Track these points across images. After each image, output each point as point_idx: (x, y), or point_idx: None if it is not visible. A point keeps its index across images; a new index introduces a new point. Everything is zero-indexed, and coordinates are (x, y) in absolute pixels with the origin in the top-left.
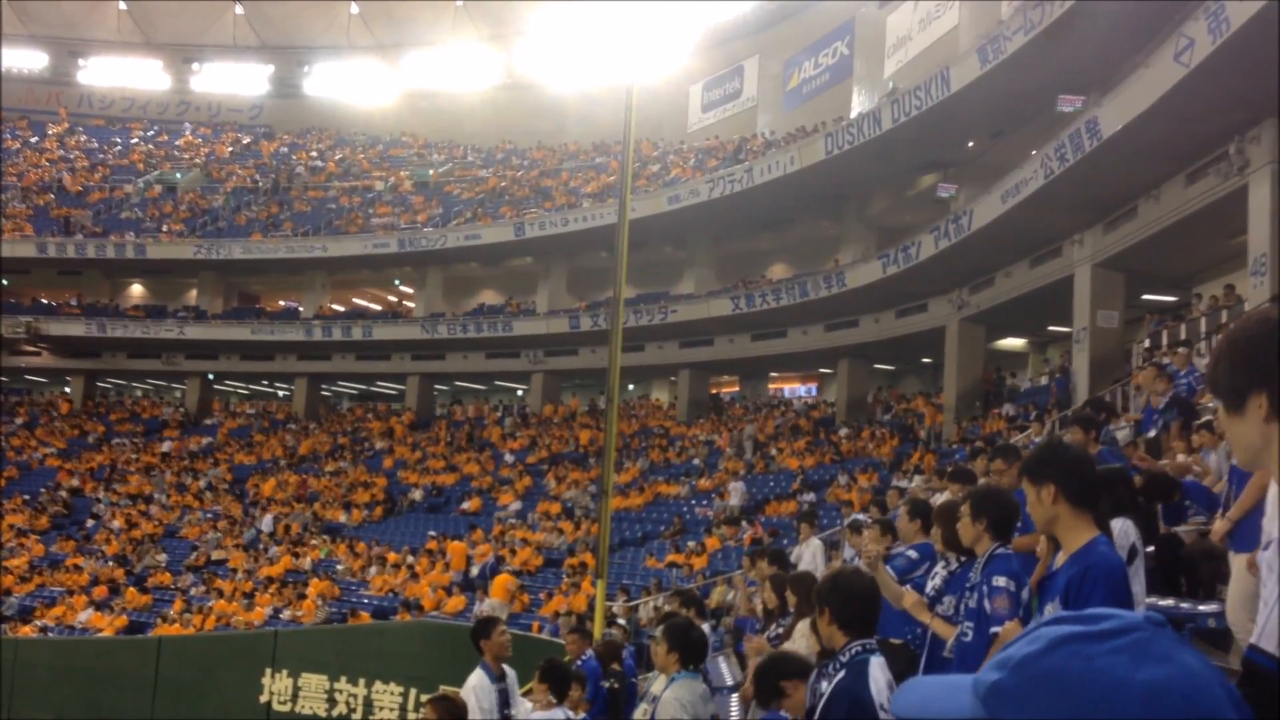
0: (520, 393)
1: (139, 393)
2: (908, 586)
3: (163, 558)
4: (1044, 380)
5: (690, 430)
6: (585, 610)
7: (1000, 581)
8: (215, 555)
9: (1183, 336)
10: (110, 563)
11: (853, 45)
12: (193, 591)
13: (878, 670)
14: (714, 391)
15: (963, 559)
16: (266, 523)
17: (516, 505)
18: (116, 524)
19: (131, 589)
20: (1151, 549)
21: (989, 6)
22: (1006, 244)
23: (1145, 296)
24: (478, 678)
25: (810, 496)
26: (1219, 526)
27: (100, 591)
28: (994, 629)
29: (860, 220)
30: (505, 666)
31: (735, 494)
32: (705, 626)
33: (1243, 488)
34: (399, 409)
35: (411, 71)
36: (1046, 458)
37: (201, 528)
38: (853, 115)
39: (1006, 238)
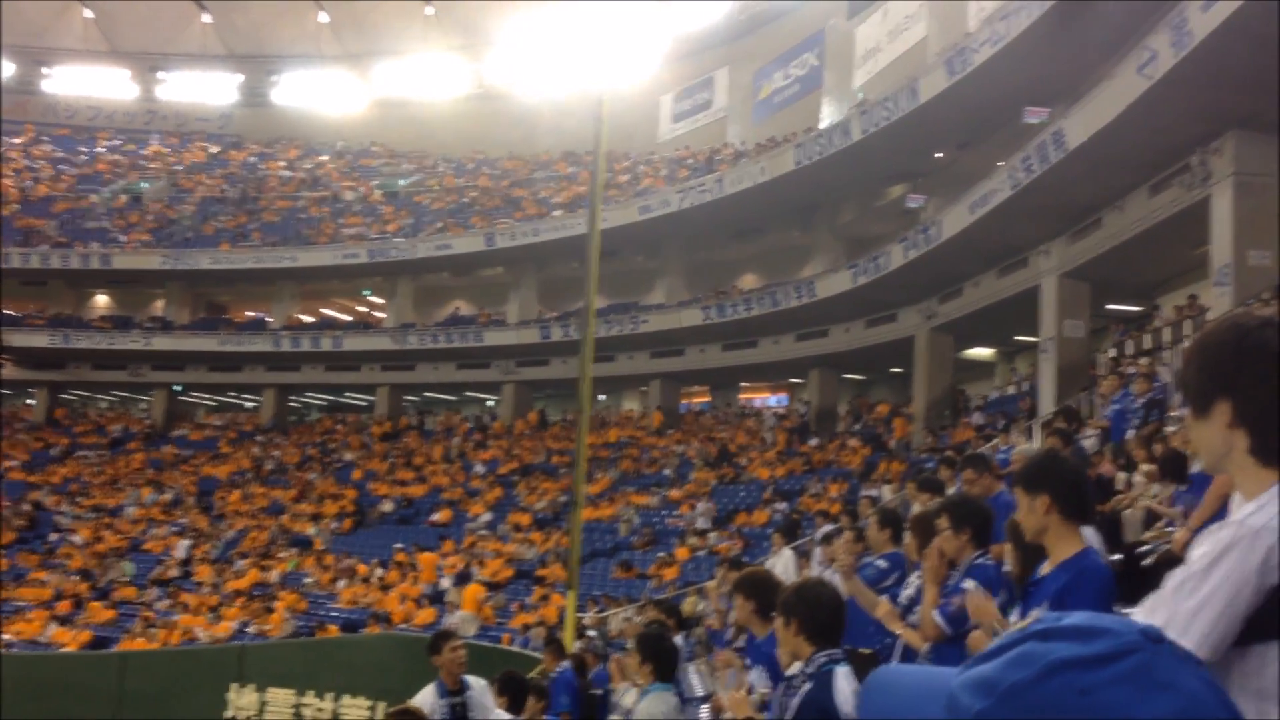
0: (491, 403)
1: (104, 404)
2: (884, 597)
3: (130, 567)
4: (1011, 390)
5: (661, 440)
6: (556, 622)
7: (968, 584)
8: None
9: (1147, 346)
10: (74, 576)
11: (822, 56)
12: (158, 605)
13: (843, 680)
14: (682, 401)
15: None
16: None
17: (487, 516)
18: (80, 537)
19: (95, 603)
20: (1118, 557)
21: (957, 19)
22: (974, 254)
23: (1110, 306)
24: (428, 692)
25: (782, 506)
26: (1180, 535)
27: (64, 606)
28: (936, 614)
29: (830, 230)
30: (470, 679)
31: (704, 516)
32: (678, 637)
33: (1204, 495)
34: (369, 420)
35: (381, 81)
36: (1043, 469)
37: (167, 541)
38: (822, 126)
39: (974, 248)
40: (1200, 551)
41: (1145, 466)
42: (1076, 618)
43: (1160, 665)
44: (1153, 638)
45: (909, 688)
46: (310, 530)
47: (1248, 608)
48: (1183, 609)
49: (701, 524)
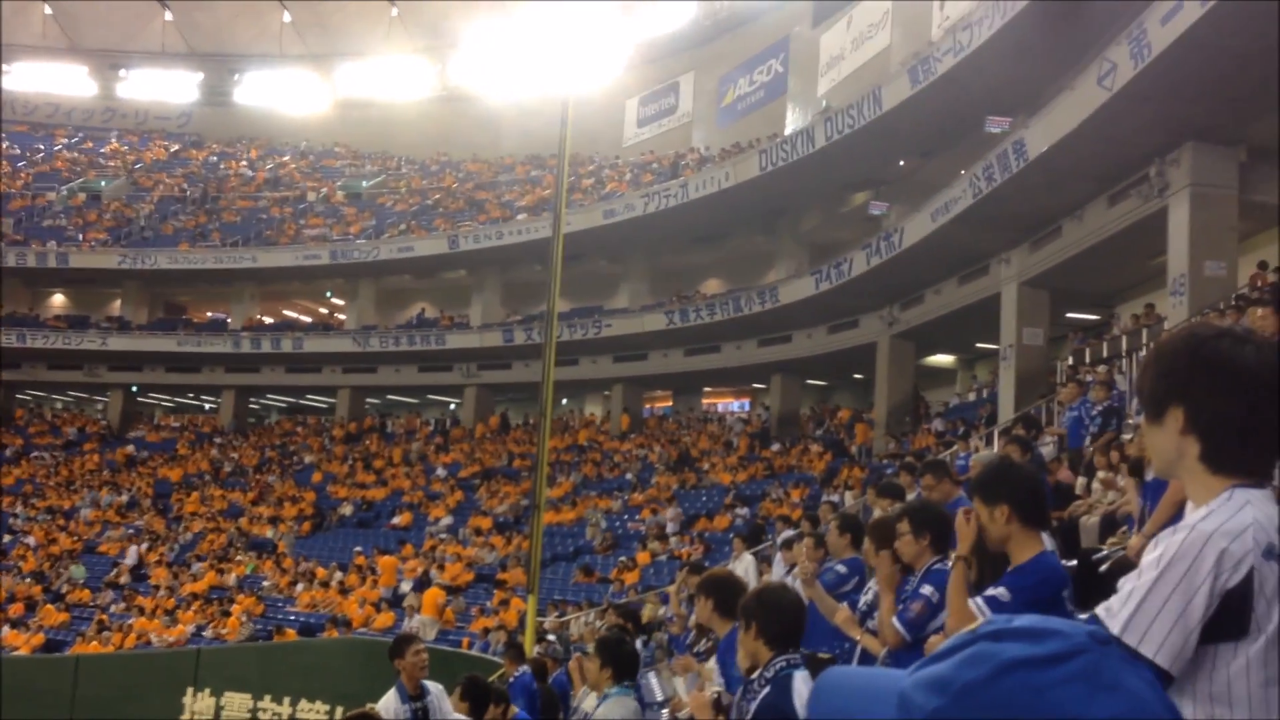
0: (453, 406)
1: (60, 405)
2: (844, 604)
3: (79, 570)
4: (971, 397)
5: (623, 445)
6: (516, 626)
7: (925, 590)
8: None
9: (1105, 354)
10: (27, 579)
11: (787, 63)
12: (113, 609)
13: (801, 684)
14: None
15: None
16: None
17: (448, 520)
18: (34, 539)
19: (49, 606)
20: (1074, 562)
21: (920, 28)
22: (936, 262)
23: (1069, 314)
24: (389, 697)
25: (744, 511)
26: (1134, 542)
27: (16, 609)
28: (895, 621)
29: (793, 236)
30: (428, 683)
31: (673, 520)
32: (637, 642)
33: (1158, 503)
34: (329, 422)
35: (345, 82)
36: (998, 478)
37: (123, 544)
38: (787, 132)
39: (936, 256)
40: (1152, 557)
41: (1103, 474)
42: (1026, 619)
43: (1107, 666)
44: (1100, 639)
45: (858, 688)
46: (269, 533)
47: (1204, 612)
48: (1137, 616)
49: (671, 528)
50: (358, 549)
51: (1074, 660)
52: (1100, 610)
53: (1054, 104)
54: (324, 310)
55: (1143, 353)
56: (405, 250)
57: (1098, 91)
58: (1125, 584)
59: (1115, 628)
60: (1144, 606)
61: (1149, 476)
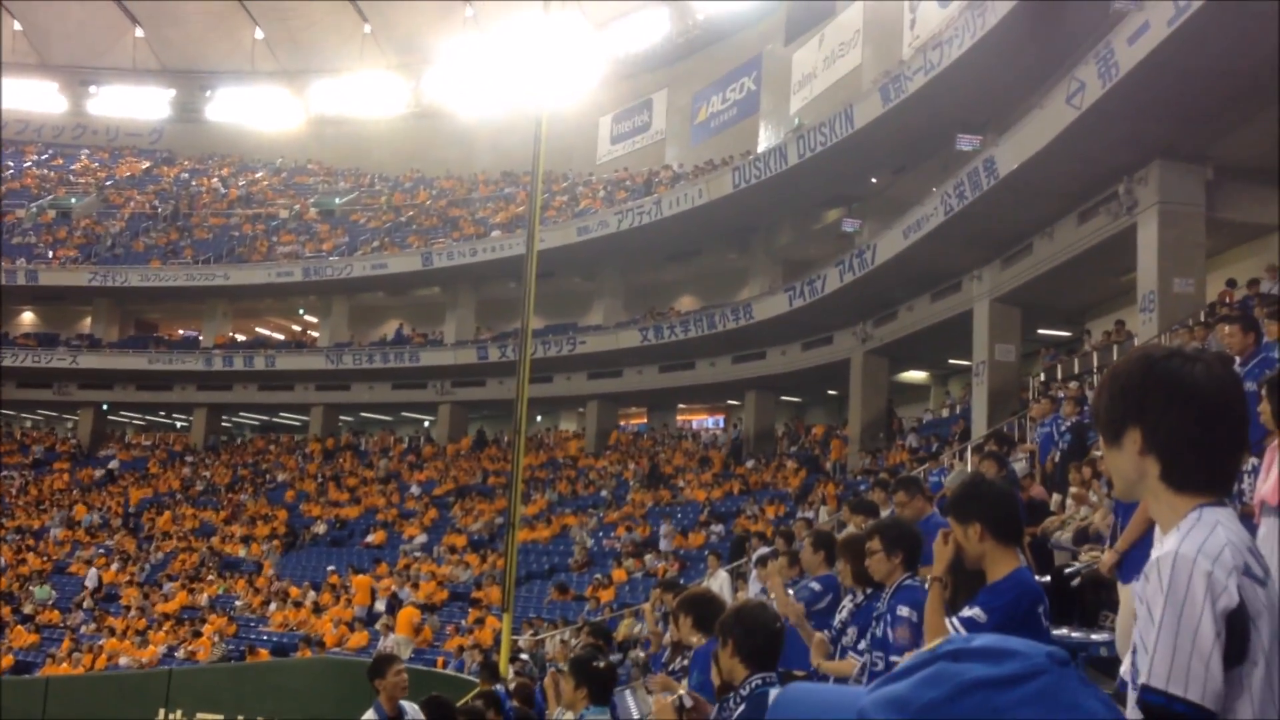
0: (427, 423)
1: (29, 423)
2: (823, 633)
3: (43, 592)
4: (945, 413)
5: (598, 462)
6: (491, 645)
7: (904, 611)
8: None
9: (1076, 370)
10: None
11: (759, 81)
12: (83, 629)
13: None
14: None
15: (869, 591)
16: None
17: (422, 538)
18: (2, 559)
19: (19, 627)
20: (1046, 578)
21: (891, 47)
22: (909, 278)
23: (1041, 331)
24: (368, 718)
25: (719, 528)
26: (1107, 558)
27: None
28: (893, 658)
29: (767, 253)
30: (405, 704)
31: (666, 537)
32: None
33: (1129, 519)
34: (302, 440)
35: (317, 98)
36: (971, 496)
37: (94, 563)
38: (760, 150)
39: (909, 272)
40: (1149, 597)
41: (1075, 489)
42: (985, 639)
43: (1065, 688)
44: (1059, 660)
45: (818, 704)
46: (241, 552)
47: (1214, 638)
48: (1157, 660)
49: (665, 545)
50: (331, 568)
51: (1033, 681)
52: (1126, 664)
53: (1024, 122)
54: (297, 328)
55: None
56: (379, 267)
57: (1067, 110)
58: (1136, 632)
59: (1142, 678)
60: (1160, 649)
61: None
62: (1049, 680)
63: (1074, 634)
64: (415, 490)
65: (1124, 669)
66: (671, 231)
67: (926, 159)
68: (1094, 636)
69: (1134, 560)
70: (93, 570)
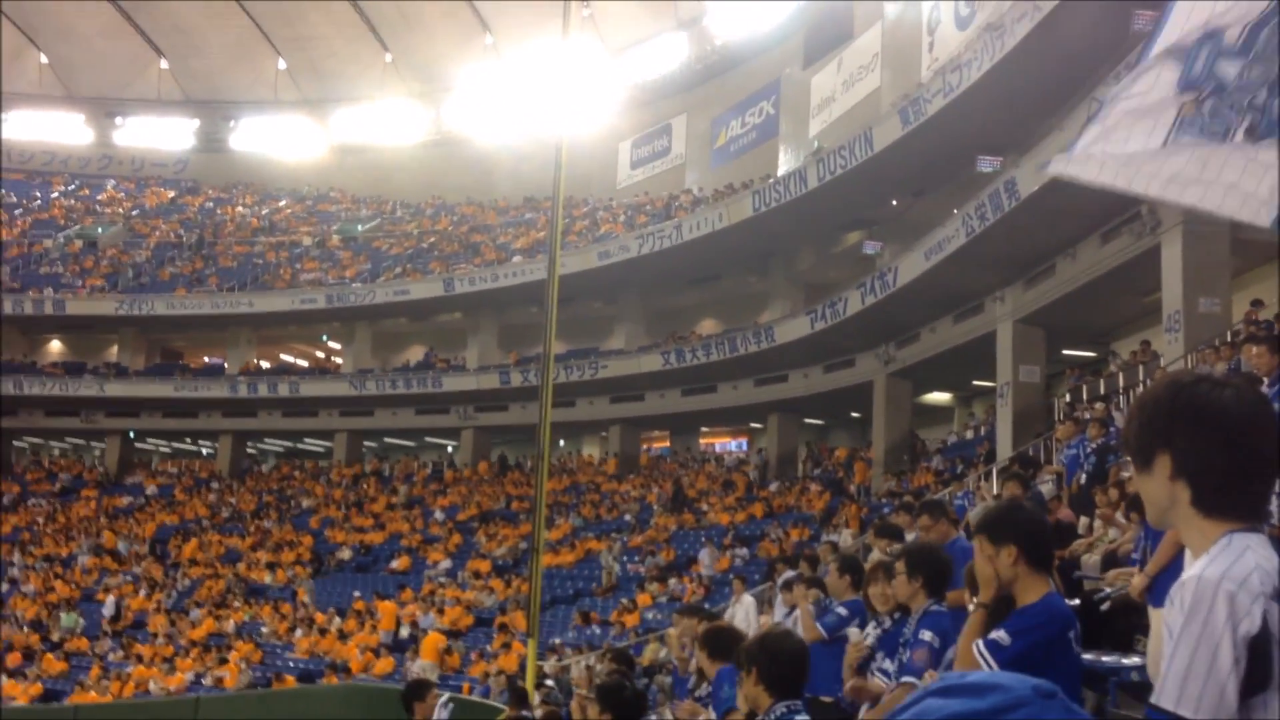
0: (451, 449)
1: (57, 451)
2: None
3: (69, 619)
4: (969, 435)
5: (621, 486)
6: (516, 670)
7: (925, 635)
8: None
9: (1101, 391)
10: (25, 628)
11: (778, 105)
12: (111, 657)
13: None
14: (645, 446)
15: (896, 616)
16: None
17: (446, 563)
18: (32, 587)
19: (48, 655)
20: (1075, 602)
21: (910, 69)
22: (931, 300)
23: (1065, 352)
24: None
25: (743, 551)
26: (1137, 581)
27: (14, 658)
28: (906, 678)
29: (787, 276)
30: None
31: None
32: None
33: (1159, 543)
34: (327, 466)
35: (340, 127)
36: (1006, 519)
37: (121, 590)
38: (779, 173)
39: (931, 294)
40: (1171, 620)
41: (1101, 511)
42: (977, 675)
43: (1047, 716)
44: (1044, 693)
45: None
46: (266, 578)
47: (1232, 663)
48: (1169, 680)
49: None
50: (356, 594)
51: (1013, 713)
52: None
53: (1044, 143)
54: (320, 354)
55: (1140, 389)
56: (401, 293)
57: None
58: (1155, 640)
59: (1154, 696)
60: (1173, 669)
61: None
62: (1030, 711)
63: (1105, 658)
64: (439, 515)
65: (1155, 697)
66: (692, 255)
67: (947, 181)
68: (1125, 661)
69: (1165, 584)
70: (111, 599)
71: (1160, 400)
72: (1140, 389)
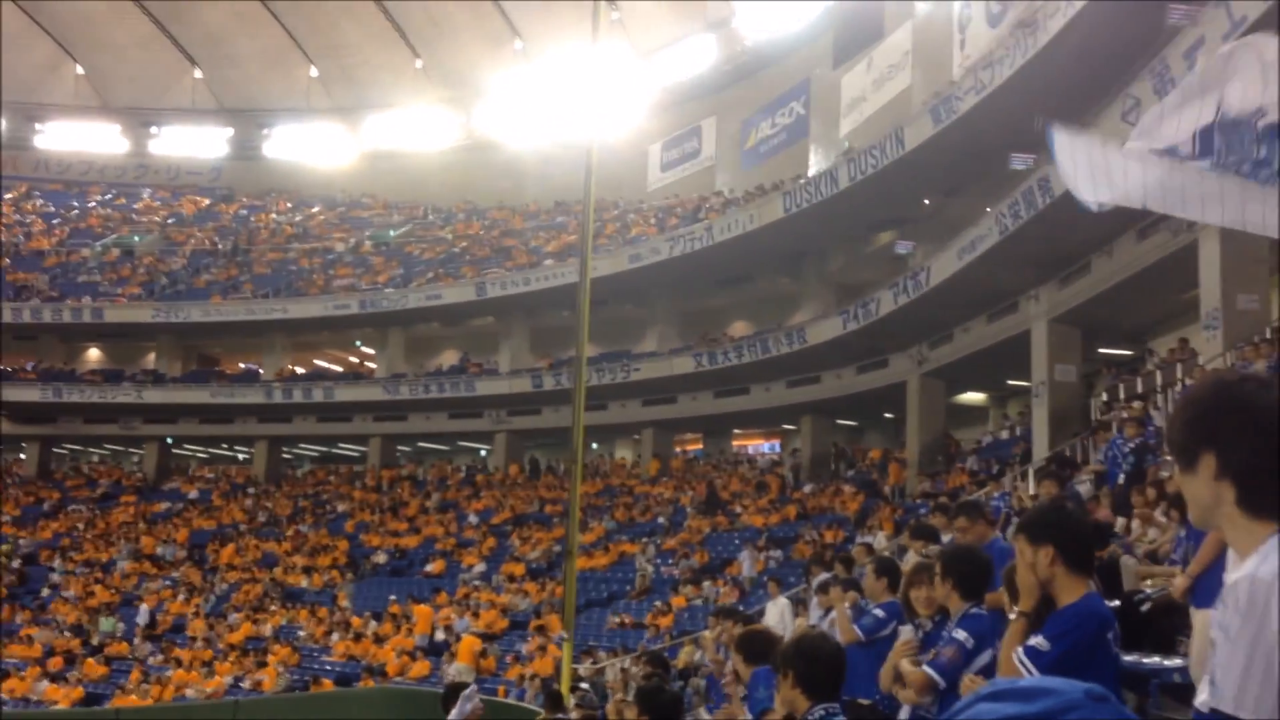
0: (483, 452)
1: (96, 458)
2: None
3: (107, 623)
4: (1004, 435)
5: (654, 488)
6: (552, 673)
7: (959, 635)
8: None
9: (1139, 390)
10: (66, 633)
11: (808, 105)
12: (151, 661)
13: None
14: (678, 449)
15: (936, 619)
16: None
17: (481, 567)
18: (72, 592)
19: (89, 659)
20: (1115, 603)
21: (941, 68)
22: (964, 300)
23: (1102, 350)
24: None
25: (776, 553)
26: (1179, 583)
27: (56, 663)
28: (927, 667)
29: (819, 277)
30: None
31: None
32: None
33: (1200, 543)
34: (361, 471)
35: (371, 133)
36: (1047, 520)
37: (160, 595)
38: (810, 174)
39: (964, 293)
40: (1226, 621)
41: (1139, 511)
42: (1028, 680)
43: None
44: (1095, 696)
45: None
46: (303, 582)
47: None
48: (1226, 682)
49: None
50: (392, 597)
51: (1065, 717)
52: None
53: None
54: (354, 359)
55: (1178, 388)
56: (433, 298)
57: (1122, 127)
58: (1198, 642)
59: (1207, 699)
60: (1231, 671)
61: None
62: (1081, 715)
63: (1146, 660)
64: (473, 519)
65: (1201, 699)
66: (723, 257)
67: (979, 179)
68: (1167, 662)
69: (1207, 585)
70: (144, 607)
71: (1205, 399)
72: (1179, 387)
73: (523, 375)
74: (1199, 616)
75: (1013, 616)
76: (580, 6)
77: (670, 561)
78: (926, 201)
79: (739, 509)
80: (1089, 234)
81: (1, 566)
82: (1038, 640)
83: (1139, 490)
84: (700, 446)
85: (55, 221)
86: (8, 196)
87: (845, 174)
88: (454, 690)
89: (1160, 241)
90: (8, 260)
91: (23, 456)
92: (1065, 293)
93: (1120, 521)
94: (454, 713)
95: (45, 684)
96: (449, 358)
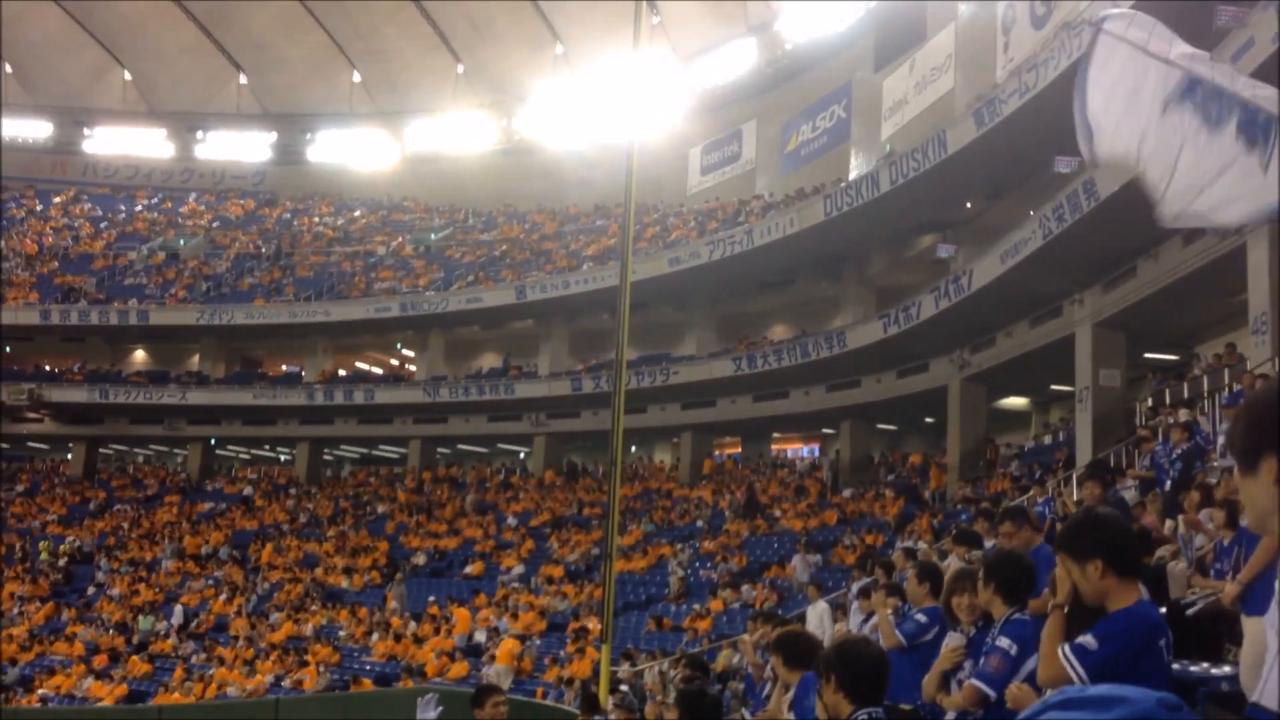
0: (522, 455)
1: (141, 458)
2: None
3: (148, 622)
4: (1047, 440)
5: (693, 492)
6: (590, 675)
7: (1003, 643)
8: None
9: (1185, 395)
10: (111, 631)
11: (849, 108)
12: (193, 659)
13: None
14: (715, 451)
15: (979, 624)
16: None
17: (519, 569)
18: (117, 591)
19: (134, 657)
20: (1162, 610)
21: (984, 70)
22: (1007, 304)
23: (1147, 355)
24: None
25: (815, 558)
26: (1230, 590)
27: (100, 660)
28: (974, 680)
29: (860, 281)
30: None
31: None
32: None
33: (1252, 550)
34: (401, 472)
35: (413, 137)
36: (1088, 533)
37: (204, 594)
38: (851, 177)
39: (1007, 297)
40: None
41: (1187, 517)
42: (1100, 688)
43: None
44: (1169, 706)
45: None
46: (343, 583)
47: None
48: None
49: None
50: (431, 598)
51: None
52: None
53: None
54: (395, 362)
55: (1224, 394)
56: (474, 301)
57: None
58: (1249, 649)
59: (1255, 696)
60: None
61: (1244, 521)
62: None
63: (1193, 668)
64: (512, 521)
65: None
66: (763, 261)
67: (1023, 182)
68: (1215, 671)
69: (1258, 592)
70: (178, 607)
71: (1269, 402)
72: (1225, 393)
73: (562, 378)
74: (1250, 624)
75: (1050, 609)
76: (621, 11)
77: (709, 565)
78: (969, 205)
79: (778, 513)
80: (1135, 238)
81: (50, 566)
82: (1086, 639)
83: (1186, 496)
84: (739, 450)
85: (103, 225)
86: (56, 200)
87: (887, 177)
88: (479, 694)
89: (1207, 246)
90: (56, 263)
91: (69, 457)
92: (1110, 297)
93: (1168, 525)
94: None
95: (90, 681)
96: (489, 360)
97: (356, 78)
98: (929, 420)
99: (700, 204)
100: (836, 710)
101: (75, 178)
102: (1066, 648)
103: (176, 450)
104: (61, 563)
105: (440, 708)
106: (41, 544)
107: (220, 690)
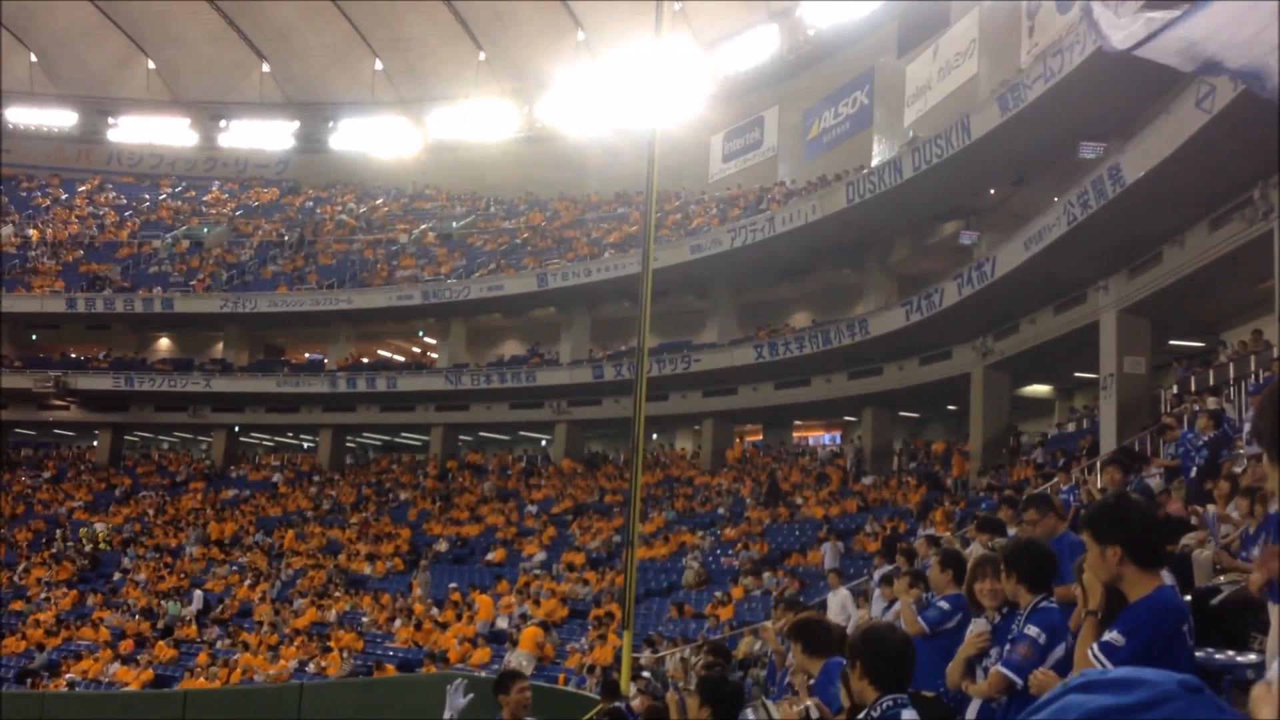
0: (544, 442)
1: (166, 445)
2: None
3: (173, 607)
4: (1070, 427)
5: (714, 479)
6: (611, 662)
7: (1032, 631)
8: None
9: (1211, 382)
10: (137, 616)
11: (872, 95)
12: (218, 645)
13: None
14: (740, 439)
15: (1004, 611)
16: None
17: (541, 556)
18: (143, 577)
19: (160, 642)
20: (1187, 598)
21: (1009, 56)
22: (1030, 291)
23: (1172, 342)
24: None
25: (838, 545)
26: (1256, 577)
27: (126, 645)
28: (1001, 667)
29: (882, 268)
30: None
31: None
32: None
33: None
34: (423, 460)
35: (435, 125)
36: (1112, 517)
37: (228, 580)
38: (873, 164)
39: (1030, 285)
40: None
41: (1212, 507)
42: (1120, 671)
43: (1194, 714)
44: (1190, 688)
45: None
46: (366, 569)
47: None
48: None
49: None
50: (453, 585)
51: (1160, 708)
52: None
53: (1150, 128)
54: (417, 349)
55: (1251, 380)
56: (495, 289)
57: (1196, 114)
58: (1276, 637)
59: None
60: None
61: (1272, 508)
62: (1177, 706)
63: (1218, 656)
64: (533, 509)
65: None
66: (785, 248)
67: (1047, 168)
68: (1239, 659)
69: None
70: (198, 593)
71: None
72: (1252, 380)
73: (583, 366)
74: (1277, 611)
75: (1083, 616)
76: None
77: (730, 552)
78: (992, 191)
79: (799, 500)
80: (1160, 224)
81: (76, 552)
82: (1112, 635)
83: (1214, 484)
84: (760, 438)
85: (127, 214)
86: (81, 189)
87: (909, 164)
88: (502, 680)
89: (1234, 231)
90: (82, 252)
91: (95, 444)
92: (1135, 283)
93: (1194, 512)
94: (446, 712)
95: (116, 666)
96: (510, 348)
97: (378, 66)
98: (951, 408)
99: (722, 191)
100: (862, 696)
101: (100, 167)
102: (1095, 647)
103: (201, 437)
104: (101, 548)
105: (470, 694)
106: (82, 530)
107: (245, 675)
